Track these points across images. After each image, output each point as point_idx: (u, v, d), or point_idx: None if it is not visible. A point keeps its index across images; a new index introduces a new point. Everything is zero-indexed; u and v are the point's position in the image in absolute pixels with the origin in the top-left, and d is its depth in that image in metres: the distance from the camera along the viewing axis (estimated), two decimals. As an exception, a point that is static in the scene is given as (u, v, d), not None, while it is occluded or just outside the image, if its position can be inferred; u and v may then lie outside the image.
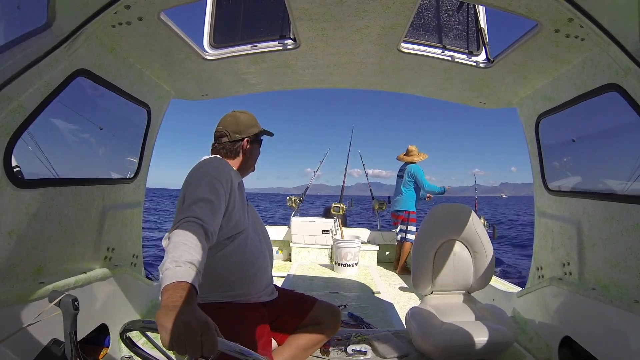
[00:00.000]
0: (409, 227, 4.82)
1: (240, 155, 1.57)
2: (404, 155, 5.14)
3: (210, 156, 1.55)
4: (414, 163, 4.99)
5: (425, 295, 2.37)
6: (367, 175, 7.00)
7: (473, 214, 2.36)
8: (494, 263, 2.31)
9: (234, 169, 1.54)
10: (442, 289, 2.34)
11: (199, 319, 0.79)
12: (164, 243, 1.08)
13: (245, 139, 1.57)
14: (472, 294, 2.36)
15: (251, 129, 1.59)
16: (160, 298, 0.90)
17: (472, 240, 2.31)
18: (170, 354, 1.10)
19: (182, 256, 0.96)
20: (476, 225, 2.32)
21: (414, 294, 3.94)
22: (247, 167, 1.62)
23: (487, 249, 2.29)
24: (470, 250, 2.32)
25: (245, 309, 1.43)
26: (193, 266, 0.95)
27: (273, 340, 1.57)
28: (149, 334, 0.97)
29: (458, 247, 2.32)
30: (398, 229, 4.96)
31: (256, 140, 1.62)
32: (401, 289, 4.18)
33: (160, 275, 0.94)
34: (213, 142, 1.61)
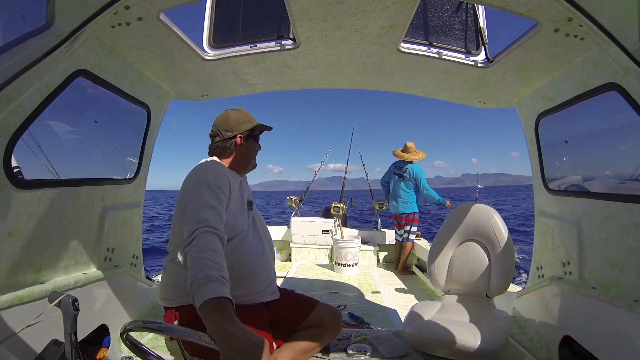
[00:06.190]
0: (411, 227, 4.74)
1: (234, 153, 1.55)
2: (402, 151, 4.83)
3: (207, 159, 1.54)
4: (413, 162, 4.76)
5: (442, 295, 2.37)
6: (367, 174, 6.96)
7: (495, 216, 2.33)
8: (513, 267, 2.27)
9: (228, 168, 1.53)
10: (458, 289, 2.33)
11: (261, 337, 0.86)
12: (180, 258, 1.08)
13: (238, 136, 1.55)
14: (494, 300, 2.29)
15: (243, 125, 1.56)
16: (198, 313, 0.91)
17: (491, 242, 2.28)
18: (172, 354, 1.09)
19: (212, 271, 0.98)
20: (497, 227, 2.28)
21: (413, 294, 3.94)
22: (244, 164, 1.58)
23: (508, 253, 2.24)
24: (490, 252, 2.28)
25: (242, 310, 1.42)
26: (225, 280, 0.98)
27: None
28: (148, 334, 0.98)
29: (477, 248, 2.30)
30: (402, 231, 4.81)
31: (251, 135, 1.58)
32: (401, 289, 4.17)
33: (192, 292, 0.95)
34: (210, 143, 1.60)
